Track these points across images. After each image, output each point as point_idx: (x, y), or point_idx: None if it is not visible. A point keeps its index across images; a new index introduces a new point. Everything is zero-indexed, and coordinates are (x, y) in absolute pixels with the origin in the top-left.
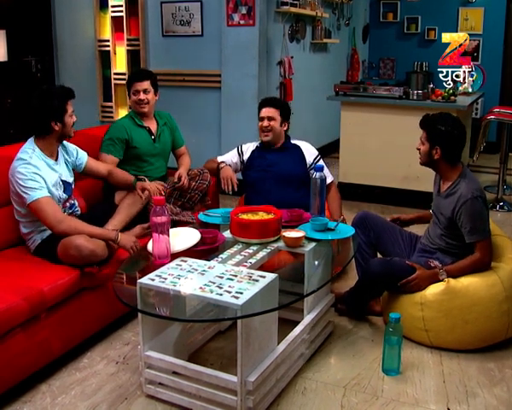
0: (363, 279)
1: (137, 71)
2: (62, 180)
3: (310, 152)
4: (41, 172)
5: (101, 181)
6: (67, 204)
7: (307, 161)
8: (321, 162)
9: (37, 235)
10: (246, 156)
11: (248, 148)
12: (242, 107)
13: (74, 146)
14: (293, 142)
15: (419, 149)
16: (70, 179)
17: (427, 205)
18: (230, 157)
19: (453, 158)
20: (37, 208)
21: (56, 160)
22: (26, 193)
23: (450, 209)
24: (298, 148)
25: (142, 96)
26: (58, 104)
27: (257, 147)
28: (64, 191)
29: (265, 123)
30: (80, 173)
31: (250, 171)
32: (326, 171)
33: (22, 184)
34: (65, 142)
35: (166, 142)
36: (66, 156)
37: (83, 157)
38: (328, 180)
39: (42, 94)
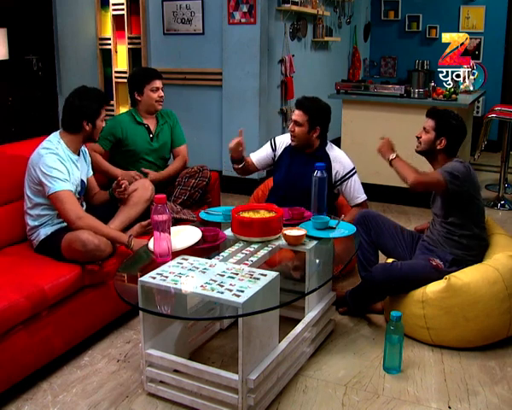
0: (366, 286)
1: (149, 69)
2: (81, 179)
3: (339, 168)
4: (67, 164)
5: (104, 180)
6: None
7: (333, 176)
8: (347, 172)
9: (41, 229)
10: (278, 153)
11: (282, 142)
12: (244, 105)
13: (90, 160)
14: (327, 150)
15: (419, 138)
16: (85, 179)
17: (428, 203)
18: (265, 153)
19: (453, 151)
20: (58, 200)
21: (79, 156)
22: (50, 182)
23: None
24: (328, 161)
25: (161, 93)
26: (95, 107)
27: (290, 144)
28: (80, 191)
29: (291, 127)
30: None
31: (276, 172)
32: (359, 189)
33: (47, 172)
34: (86, 151)
35: (166, 140)
36: (86, 157)
37: (90, 172)
38: (359, 200)
39: (81, 93)
